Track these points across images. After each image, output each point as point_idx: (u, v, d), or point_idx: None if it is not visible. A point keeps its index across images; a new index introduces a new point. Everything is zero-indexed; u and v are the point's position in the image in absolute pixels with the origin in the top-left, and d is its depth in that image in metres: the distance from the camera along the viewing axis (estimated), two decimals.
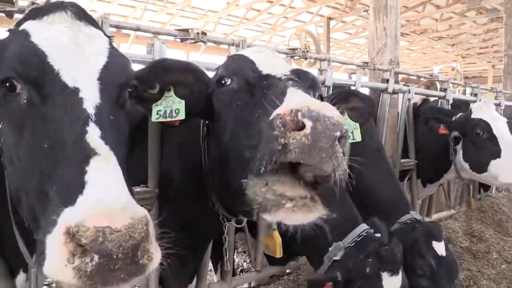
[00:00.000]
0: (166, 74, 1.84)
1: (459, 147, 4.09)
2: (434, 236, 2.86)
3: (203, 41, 2.49)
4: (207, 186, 2.02)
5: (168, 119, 1.86)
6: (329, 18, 16.22)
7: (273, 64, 1.80)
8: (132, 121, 1.60)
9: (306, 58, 3.11)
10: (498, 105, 5.61)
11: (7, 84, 1.34)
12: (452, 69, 20.21)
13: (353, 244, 2.40)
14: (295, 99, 1.39)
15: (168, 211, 2.37)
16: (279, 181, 1.38)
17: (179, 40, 2.49)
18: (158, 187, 2.37)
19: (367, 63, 3.77)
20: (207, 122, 1.99)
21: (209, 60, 3.15)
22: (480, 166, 3.90)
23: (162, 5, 14.78)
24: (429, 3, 16.23)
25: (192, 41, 2.46)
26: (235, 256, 5.58)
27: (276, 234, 2.46)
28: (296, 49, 3.09)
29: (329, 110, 1.27)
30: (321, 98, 1.96)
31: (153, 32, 2.49)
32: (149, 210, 2.32)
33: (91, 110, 1.29)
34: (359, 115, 2.19)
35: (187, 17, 16.34)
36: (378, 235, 2.49)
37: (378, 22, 4.14)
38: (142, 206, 2.27)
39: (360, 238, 2.41)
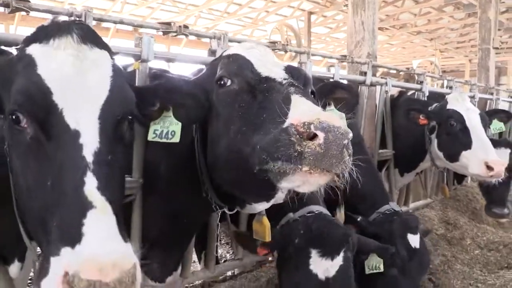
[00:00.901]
0: (168, 95, 1.90)
1: (434, 136, 4.24)
2: (410, 228, 2.97)
3: (185, 34, 2.54)
4: (202, 177, 2.09)
5: (164, 140, 1.93)
6: (310, 13, 16.29)
7: (268, 64, 1.90)
8: (131, 142, 1.68)
9: (286, 51, 3.19)
10: (472, 97, 5.78)
11: (13, 117, 1.41)
12: (431, 63, 20.57)
13: (300, 217, 2.47)
14: (303, 109, 1.55)
15: (156, 201, 2.43)
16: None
17: (161, 33, 2.53)
18: (144, 178, 2.42)
19: (345, 56, 3.87)
20: None
21: (190, 54, 3.19)
22: (452, 156, 4.06)
23: None
24: None
25: (174, 34, 2.51)
26: (218, 248, 5.66)
27: (265, 218, 2.56)
28: (277, 42, 3.16)
29: (337, 121, 1.43)
30: (314, 93, 2.05)
31: (135, 25, 2.53)
32: (133, 200, 2.41)
33: (89, 158, 1.36)
34: (344, 105, 2.27)
35: (168, 11, 16.21)
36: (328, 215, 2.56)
37: (356, 17, 4.24)
38: (127, 196, 2.35)
39: (309, 214, 2.47)
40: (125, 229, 1.36)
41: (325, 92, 2.21)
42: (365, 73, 4.01)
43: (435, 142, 4.23)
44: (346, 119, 2.34)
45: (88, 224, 1.22)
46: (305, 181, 1.53)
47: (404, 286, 2.82)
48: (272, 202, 2.00)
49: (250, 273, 3.20)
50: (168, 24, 2.50)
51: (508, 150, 4.86)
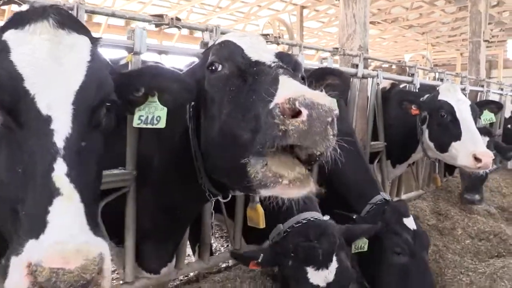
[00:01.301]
0: (152, 79, 1.88)
1: (425, 127, 4.29)
2: (402, 213, 3.05)
3: (177, 27, 2.54)
4: (197, 166, 2.10)
5: (149, 126, 1.92)
6: (302, 7, 16.30)
7: (259, 50, 1.90)
8: (109, 129, 1.63)
9: (278, 44, 3.21)
10: (463, 89, 5.84)
11: None
12: (423, 57, 20.63)
13: (289, 230, 2.55)
14: (289, 88, 1.54)
15: (150, 192, 2.44)
16: (277, 161, 1.54)
17: (153, 25, 2.54)
18: (137, 169, 2.43)
19: (337, 49, 3.89)
20: (193, 103, 2.05)
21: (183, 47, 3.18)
22: (442, 146, 4.11)
23: None
24: None
25: (167, 26, 2.52)
26: (212, 241, 5.69)
27: (259, 206, 2.60)
28: (268, 35, 3.18)
29: (322, 98, 1.44)
30: (304, 79, 2.06)
31: (127, 17, 2.53)
32: (127, 192, 2.42)
33: (60, 144, 1.33)
34: (336, 91, 2.22)
35: (160, 5, 16.13)
36: (322, 218, 2.62)
37: (347, 9, 4.27)
38: (121, 188, 2.35)
39: (297, 225, 2.54)
40: (96, 219, 1.35)
41: (316, 77, 2.21)
42: (356, 66, 4.03)
43: (426, 132, 4.28)
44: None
45: (53, 212, 1.21)
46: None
47: (416, 269, 2.90)
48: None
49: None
50: (160, 16, 2.51)
51: (487, 138, 4.95)
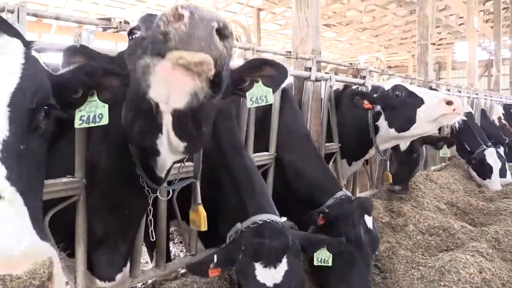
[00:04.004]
0: (88, 78, 1.79)
1: (381, 122, 4.44)
2: (366, 210, 3.16)
3: (126, 30, 2.49)
4: (132, 151, 2.05)
5: (92, 125, 1.84)
6: (259, 9, 16.44)
7: None
8: (49, 133, 1.58)
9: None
10: None
11: None
12: (377, 59, 21.36)
13: (245, 229, 2.56)
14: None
15: (99, 196, 2.38)
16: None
17: (101, 29, 2.48)
18: (87, 176, 2.36)
19: (290, 52, 3.95)
20: None
21: None
22: (408, 122, 4.23)
23: None
24: None
25: (115, 30, 2.46)
26: (171, 247, 5.61)
27: (201, 207, 2.59)
28: None
29: (208, 8, 1.40)
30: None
31: (74, 21, 2.45)
32: (77, 201, 2.35)
33: None
34: (272, 82, 2.21)
35: (114, 6, 15.78)
36: (280, 220, 2.64)
37: (300, 13, 4.33)
38: (70, 196, 2.28)
39: (253, 225, 2.56)
40: (41, 224, 1.29)
41: (252, 68, 2.15)
42: (309, 69, 4.11)
43: (384, 125, 4.42)
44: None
45: None
46: (169, 80, 1.44)
47: (360, 260, 3.00)
48: (164, 140, 1.81)
49: None
50: (108, 20, 2.45)
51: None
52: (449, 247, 4.44)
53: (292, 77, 4.19)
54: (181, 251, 6.23)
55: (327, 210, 3.17)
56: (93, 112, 1.83)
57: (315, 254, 2.74)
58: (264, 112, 3.63)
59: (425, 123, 4.14)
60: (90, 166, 2.35)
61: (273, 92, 2.21)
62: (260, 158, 3.51)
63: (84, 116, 1.82)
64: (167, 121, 1.66)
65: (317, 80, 4.20)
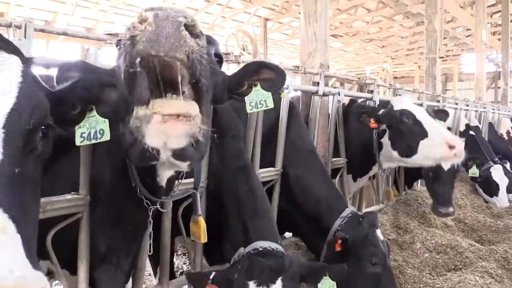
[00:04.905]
0: (85, 93, 1.74)
1: (385, 139, 4.37)
2: (375, 224, 3.11)
3: None
4: (130, 166, 2.03)
5: (93, 141, 1.79)
6: (266, 19, 16.50)
7: None
8: (46, 154, 1.53)
9: (239, 63, 3.18)
10: (420, 105, 6.02)
11: None
12: (383, 70, 21.31)
13: (246, 254, 2.51)
14: None
15: (102, 212, 2.35)
16: (159, 101, 1.46)
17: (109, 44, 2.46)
18: (91, 193, 2.33)
19: (298, 67, 3.92)
20: None
21: None
22: (409, 150, 4.15)
23: (94, 1, 14.25)
24: (360, 7, 17.02)
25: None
26: (174, 259, 5.56)
27: (201, 219, 2.55)
28: (229, 53, 3.15)
29: (178, 8, 1.40)
30: (220, 57, 2.00)
31: (81, 36, 2.44)
32: (80, 218, 2.31)
33: None
34: (271, 85, 2.18)
35: (122, 14, 15.88)
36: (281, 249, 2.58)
37: (308, 27, 4.31)
38: (74, 213, 2.25)
39: (254, 251, 2.51)
40: (34, 251, 1.26)
41: (250, 72, 2.12)
42: (317, 83, 4.07)
43: (388, 144, 4.35)
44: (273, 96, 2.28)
45: None
46: (161, 130, 1.46)
47: (386, 277, 2.96)
48: (163, 163, 1.74)
49: None
50: (116, 35, 2.43)
51: None
52: (457, 266, 4.35)
53: (300, 92, 4.15)
54: (184, 263, 6.18)
55: (347, 236, 3.06)
56: (94, 128, 1.79)
57: (319, 285, 2.65)
58: (269, 128, 3.59)
59: (424, 156, 4.11)
60: (92, 180, 2.32)
61: (273, 96, 2.18)
62: (266, 174, 3.47)
63: (84, 133, 1.78)
64: (167, 154, 1.62)
65: (325, 94, 4.16)
